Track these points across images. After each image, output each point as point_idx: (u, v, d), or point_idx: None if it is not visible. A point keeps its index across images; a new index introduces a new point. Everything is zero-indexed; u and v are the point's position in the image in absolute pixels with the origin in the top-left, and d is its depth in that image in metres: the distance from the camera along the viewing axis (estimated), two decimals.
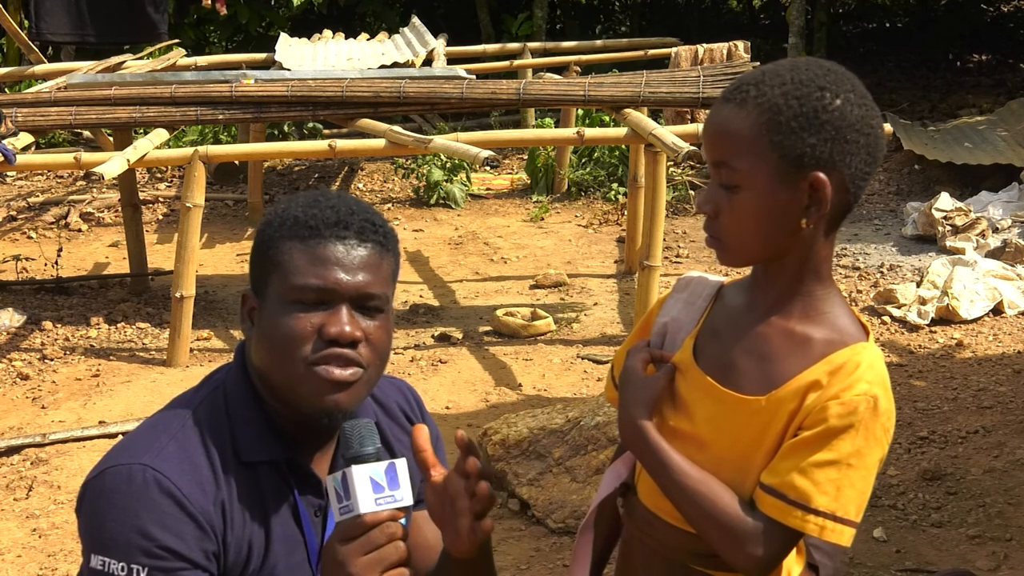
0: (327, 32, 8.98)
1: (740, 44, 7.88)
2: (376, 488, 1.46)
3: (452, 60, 8.23)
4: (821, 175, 1.48)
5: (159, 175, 8.76)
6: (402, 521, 1.52)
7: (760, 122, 1.48)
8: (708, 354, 1.60)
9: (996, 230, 6.60)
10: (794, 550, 1.64)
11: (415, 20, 8.89)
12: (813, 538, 1.69)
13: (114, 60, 7.60)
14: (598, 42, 9.95)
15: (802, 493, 1.48)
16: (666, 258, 6.36)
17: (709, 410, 1.56)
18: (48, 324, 5.64)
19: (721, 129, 1.51)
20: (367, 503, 1.45)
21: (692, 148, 4.85)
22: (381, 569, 1.44)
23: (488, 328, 5.60)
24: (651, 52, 8.81)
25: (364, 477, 1.46)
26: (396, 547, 1.45)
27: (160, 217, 7.92)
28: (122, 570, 1.46)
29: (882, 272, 6.24)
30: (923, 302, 5.50)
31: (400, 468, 1.49)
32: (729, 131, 1.50)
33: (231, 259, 6.94)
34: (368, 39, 8.85)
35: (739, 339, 1.57)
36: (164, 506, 1.48)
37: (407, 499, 1.49)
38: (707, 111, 1.65)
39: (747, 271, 1.63)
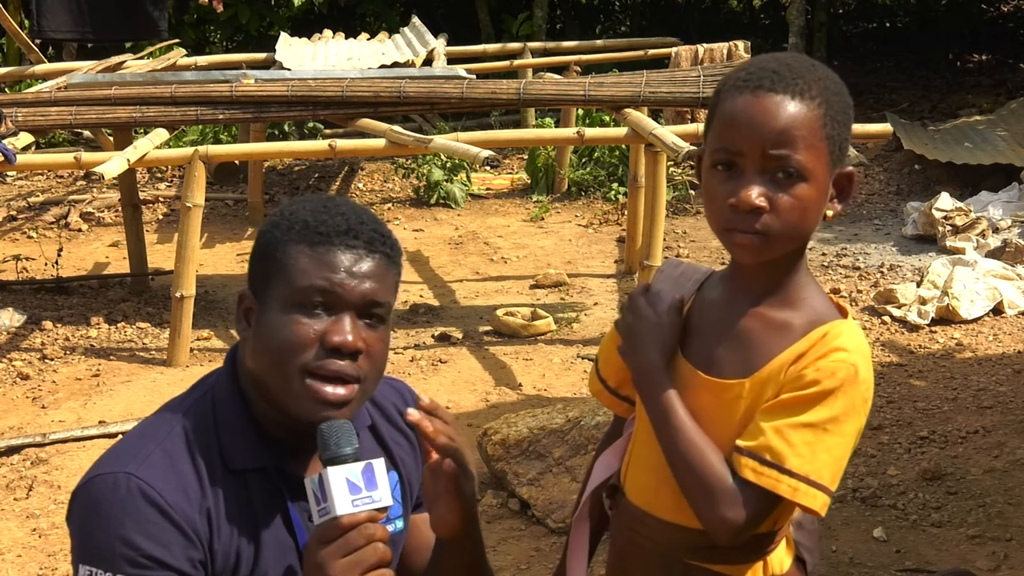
0: (327, 32, 8.98)
1: (740, 44, 7.87)
2: (353, 489, 1.45)
3: (452, 60, 8.22)
4: (852, 168, 1.54)
5: (159, 175, 8.76)
6: (396, 525, 1.51)
7: (818, 114, 1.49)
8: (689, 347, 1.60)
9: (996, 230, 6.60)
10: (783, 543, 1.64)
11: (415, 20, 8.89)
12: (796, 533, 1.69)
13: (114, 60, 7.60)
14: (598, 42, 9.95)
15: (776, 453, 1.48)
16: (666, 257, 6.35)
17: (694, 399, 1.56)
18: (48, 324, 5.64)
19: (785, 119, 1.48)
20: (344, 504, 1.45)
21: (692, 148, 4.84)
22: (360, 571, 1.43)
23: (488, 328, 5.60)
24: (651, 52, 8.80)
25: (340, 478, 1.45)
26: (375, 548, 1.44)
27: (160, 217, 7.92)
28: None
29: (882, 272, 6.24)
30: (923, 302, 5.50)
31: (378, 469, 1.48)
32: (794, 122, 1.48)
33: (231, 259, 6.94)
34: (368, 39, 8.84)
35: (719, 332, 1.58)
36: (149, 515, 1.48)
37: (385, 500, 1.48)
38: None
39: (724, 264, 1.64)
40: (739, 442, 1.51)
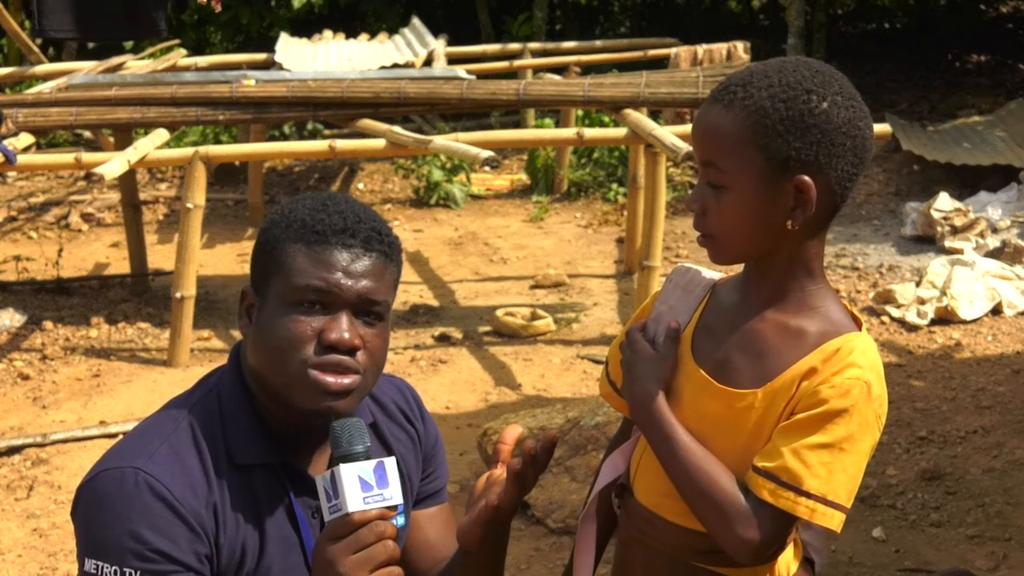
0: (327, 32, 8.98)
1: (740, 45, 7.89)
2: (364, 487, 1.47)
3: (452, 60, 8.22)
4: (806, 178, 1.49)
5: (160, 175, 8.77)
6: (396, 521, 1.53)
7: (747, 125, 1.49)
8: (703, 352, 1.60)
9: (995, 230, 6.60)
10: (791, 546, 1.65)
11: (415, 20, 8.90)
12: (804, 534, 1.70)
13: (115, 60, 7.61)
14: (598, 42, 9.94)
15: (794, 475, 1.48)
16: (666, 258, 6.36)
17: (706, 406, 1.57)
18: (49, 324, 5.65)
19: (708, 130, 1.53)
20: (355, 502, 1.46)
21: (691, 149, 4.85)
22: (370, 568, 1.45)
23: (488, 328, 5.61)
24: (651, 52, 8.81)
25: (352, 476, 1.47)
26: (385, 546, 1.46)
27: (160, 217, 7.93)
28: (115, 574, 1.47)
29: (881, 272, 6.25)
30: (922, 302, 5.51)
31: (389, 467, 1.50)
32: (716, 132, 1.51)
33: (231, 259, 6.94)
34: (368, 39, 8.85)
35: (733, 336, 1.58)
36: (156, 509, 1.49)
37: (396, 498, 1.49)
38: None
39: (739, 268, 1.64)
40: (757, 462, 1.51)
